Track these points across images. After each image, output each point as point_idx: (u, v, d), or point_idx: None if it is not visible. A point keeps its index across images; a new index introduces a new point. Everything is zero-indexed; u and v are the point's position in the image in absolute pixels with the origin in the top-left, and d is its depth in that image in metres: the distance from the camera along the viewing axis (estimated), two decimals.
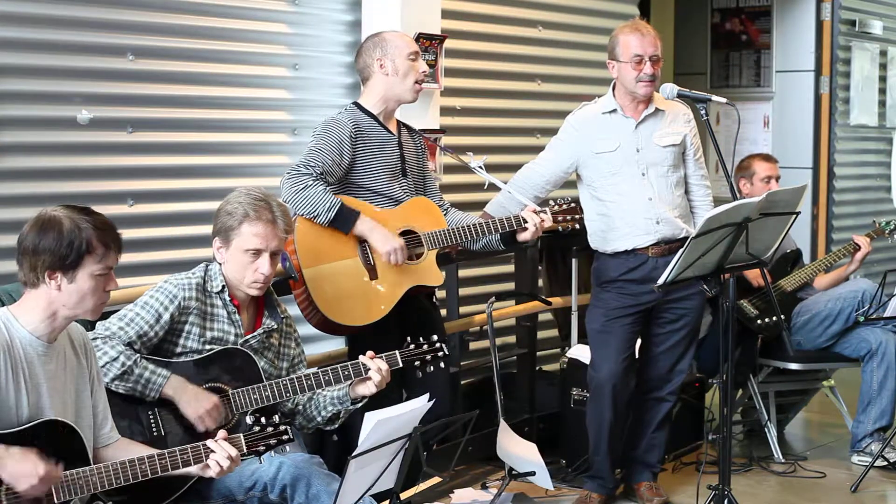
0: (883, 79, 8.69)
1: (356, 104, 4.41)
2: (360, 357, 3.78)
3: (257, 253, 3.67)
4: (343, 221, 4.16)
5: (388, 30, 4.59)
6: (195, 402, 3.50)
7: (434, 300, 4.63)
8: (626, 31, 4.70)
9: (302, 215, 4.15)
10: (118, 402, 3.43)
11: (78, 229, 2.98)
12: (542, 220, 4.45)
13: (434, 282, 4.39)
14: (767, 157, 5.88)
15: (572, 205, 4.62)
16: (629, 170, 4.73)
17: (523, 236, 4.49)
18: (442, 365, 3.98)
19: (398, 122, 4.51)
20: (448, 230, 4.39)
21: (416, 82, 4.38)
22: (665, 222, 4.73)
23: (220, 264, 3.73)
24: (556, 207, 4.58)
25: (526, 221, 4.44)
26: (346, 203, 4.18)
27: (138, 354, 3.50)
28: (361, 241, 4.24)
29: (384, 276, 4.25)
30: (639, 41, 4.64)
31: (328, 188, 4.17)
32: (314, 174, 4.13)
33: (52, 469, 2.88)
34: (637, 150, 4.73)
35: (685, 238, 4.49)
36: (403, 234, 4.32)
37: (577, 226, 4.65)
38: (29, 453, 2.86)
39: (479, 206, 4.97)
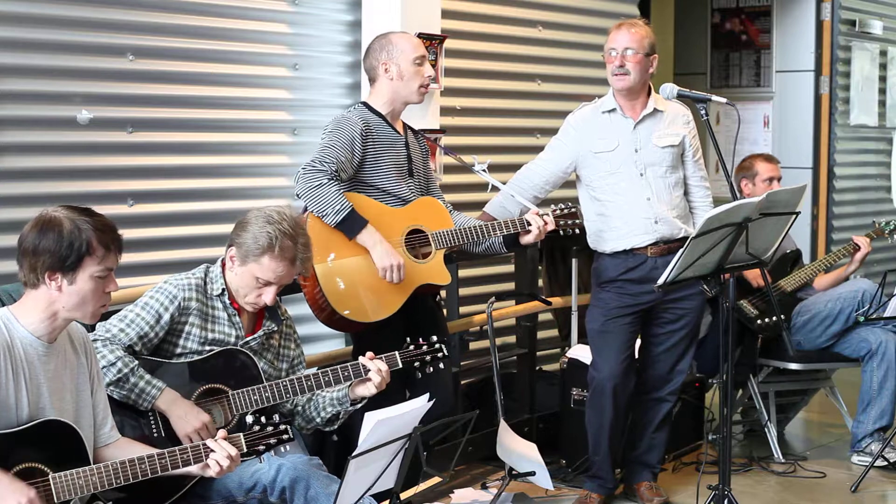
0: (883, 79, 8.68)
1: (364, 104, 4.41)
2: (360, 358, 3.77)
3: (268, 283, 3.67)
4: (350, 227, 4.15)
5: (396, 31, 4.58)
6: (184, 420, 3.48)
7: (438, 300, 4.64)
8: (611, 29, 4.77)
9: (312, 212, 4.15)
10: (118, 401, 3.43)
11: (78, 230, 2.97)
12: (546, 224, 4.48)
13: (442, 281, 4.40)
14: (769, 158, 5.87)
15: (573, 209, 4.68)
16: (627, 170, 4.73)
17: (526, 239, 4.51)
18: (442, 365, 3.98)
19: (403, 123, 4.51)
20: (456, 230, 4.41)
21: (422, 86, 4.38)
22: (663, 222, 4.73)
23: (221, 267, 3.73)
24: (558, 211, 4.64)
25: (530, 224, 4.47)
26: (357, 208, 4.16)
27: (137, 362, 3.48)
28: None
29: None
30: (613, 35, 4.71)
31: (342, 189, 4.16)
32: (329, 171, 4.12)
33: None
34: (636, 150, 4.73)
35: (684, 238, 4.50)
36: (412, 233, 4.34)
37: (577, 230, 4.71)
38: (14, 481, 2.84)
39: (479, 206, 4.97)
